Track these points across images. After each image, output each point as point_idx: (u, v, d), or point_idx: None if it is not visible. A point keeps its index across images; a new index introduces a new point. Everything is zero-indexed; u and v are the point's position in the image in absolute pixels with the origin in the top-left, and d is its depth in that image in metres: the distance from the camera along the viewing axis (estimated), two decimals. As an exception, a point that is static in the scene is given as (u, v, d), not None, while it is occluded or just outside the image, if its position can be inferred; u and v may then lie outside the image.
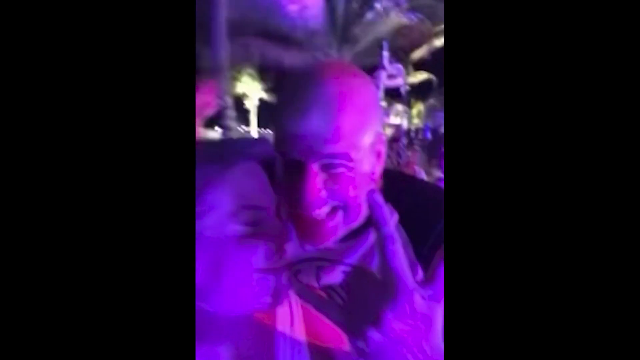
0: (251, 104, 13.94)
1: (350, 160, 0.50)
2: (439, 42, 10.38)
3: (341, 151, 0.49)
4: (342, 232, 0.54)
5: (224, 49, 5.28)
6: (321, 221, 0.52)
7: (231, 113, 5.35)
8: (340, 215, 0.53)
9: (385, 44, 7.41)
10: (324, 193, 0.50)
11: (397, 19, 8.80)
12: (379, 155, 0.55)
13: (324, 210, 0.51)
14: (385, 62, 7.41)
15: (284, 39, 8.63)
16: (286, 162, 0.51)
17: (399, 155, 5.31)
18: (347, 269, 0.54)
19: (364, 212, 0.54)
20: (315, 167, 0.49)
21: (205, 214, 0.45)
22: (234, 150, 0.53)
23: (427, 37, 10.62)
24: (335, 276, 0.55)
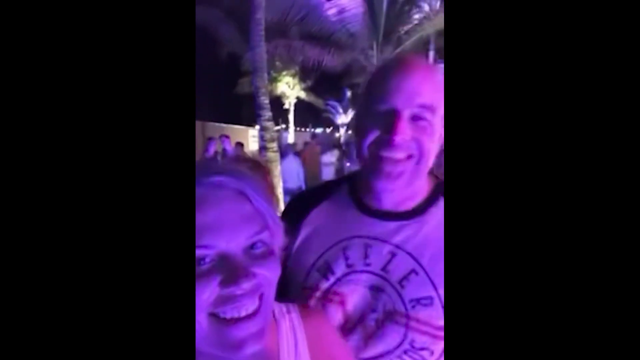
0: (289, 104, 13.98)
1: (434, 111, 0.64)
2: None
3: (428, 103, 0.64)
4: (407, 178, 0.66)
5: (263, 51, 5.23)
6: (397, 162, 0.65)
7: (267, 113, 5.27)
8: (412, 163, 0.65)
9: (431, 43, 7.04)
10: (408, 137, 0.63)
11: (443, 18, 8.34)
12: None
13: (403, 154, 0.64)
14: (431, 61, 7.06)
15: (325, 40, 8.46)
16: (381, 112, 0.65)
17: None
18: (393, 249, 0.67)
19: (430, 165, 0.68)
20: (407, 113, 0.63)
21: None
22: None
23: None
24: (381, 257, 0.68)
